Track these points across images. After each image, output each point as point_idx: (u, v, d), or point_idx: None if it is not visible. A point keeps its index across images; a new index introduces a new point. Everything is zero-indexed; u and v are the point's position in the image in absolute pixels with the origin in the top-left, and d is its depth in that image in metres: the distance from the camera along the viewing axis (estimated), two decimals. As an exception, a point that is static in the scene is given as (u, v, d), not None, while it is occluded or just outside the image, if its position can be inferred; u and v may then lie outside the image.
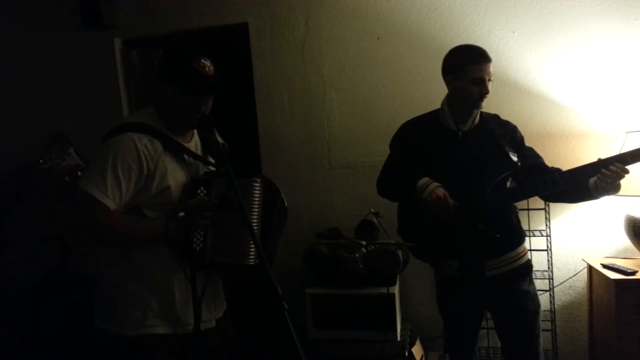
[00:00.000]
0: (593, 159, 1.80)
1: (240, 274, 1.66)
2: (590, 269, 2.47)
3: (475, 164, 1.90)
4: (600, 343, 2.44)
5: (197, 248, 1.50)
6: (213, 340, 1.64)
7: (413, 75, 2.69)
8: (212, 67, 1.52)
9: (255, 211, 1.55)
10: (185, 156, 1.59)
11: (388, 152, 2.13)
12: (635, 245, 2.36)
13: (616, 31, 2.45)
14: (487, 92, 1.87)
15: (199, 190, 1.51)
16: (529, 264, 2.02)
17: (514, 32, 2.55)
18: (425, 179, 1.91)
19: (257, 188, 1.57)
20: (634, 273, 2.21)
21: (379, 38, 2.72)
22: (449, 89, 1.97)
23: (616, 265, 2.30)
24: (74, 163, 2.60)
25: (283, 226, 1.70)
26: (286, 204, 1.69)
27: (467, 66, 1.85)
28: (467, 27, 2.60)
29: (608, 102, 2.48)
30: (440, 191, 1.86)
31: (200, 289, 1.50)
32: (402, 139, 2.09)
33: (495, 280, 1.94)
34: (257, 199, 1.56)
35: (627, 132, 2.35)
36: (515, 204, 2.01)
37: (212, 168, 1.64)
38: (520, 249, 1.99)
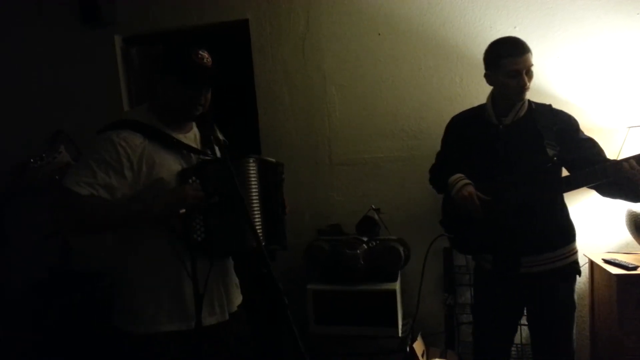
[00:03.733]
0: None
1: (249, 262, 1.67)
2: (592, 264, 2.47)
3: (513, 157, 1.87)
4: (602, 338, 2.44)
5: (199, 239, 1.51)
6: (222, 334, 1.63)
7: (414, 71, 2.68)
8: (210, 59, 1.53)
9: (253, 190, 1.56)
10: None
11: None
12: (636, 240, 2.36)
13: (618, 26, 2.44)
14: (525, 84, 1.82)
15: (190, 180, 1.52)
16: (573, 266, 1.92)
17: (515, 27, 2.53)
18: (457, 176, 1.90)
19: (252, 167, 1.57)
20: (635, 268, 2.20)
21: (379, 34, 2.71)
22: (489, 84, 1.94)
23: (618, 260, 2.30)
24: (65, 161, 2.59)
25: (281, 186, 1.68)
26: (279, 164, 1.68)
27: (502, 60, 1.82)
28: (468, 23, 2.59)
29: (610, 97, 2.47)
30: (467, 190, 1.84)
31: (202, 282, 1.50)
32: (449, 132, 2.10)
33: (532, 278, 1.88)
34: (253, 178, 1.57)
35: (629, 127, 2.35)
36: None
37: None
38: (566, 249, 1.90)
